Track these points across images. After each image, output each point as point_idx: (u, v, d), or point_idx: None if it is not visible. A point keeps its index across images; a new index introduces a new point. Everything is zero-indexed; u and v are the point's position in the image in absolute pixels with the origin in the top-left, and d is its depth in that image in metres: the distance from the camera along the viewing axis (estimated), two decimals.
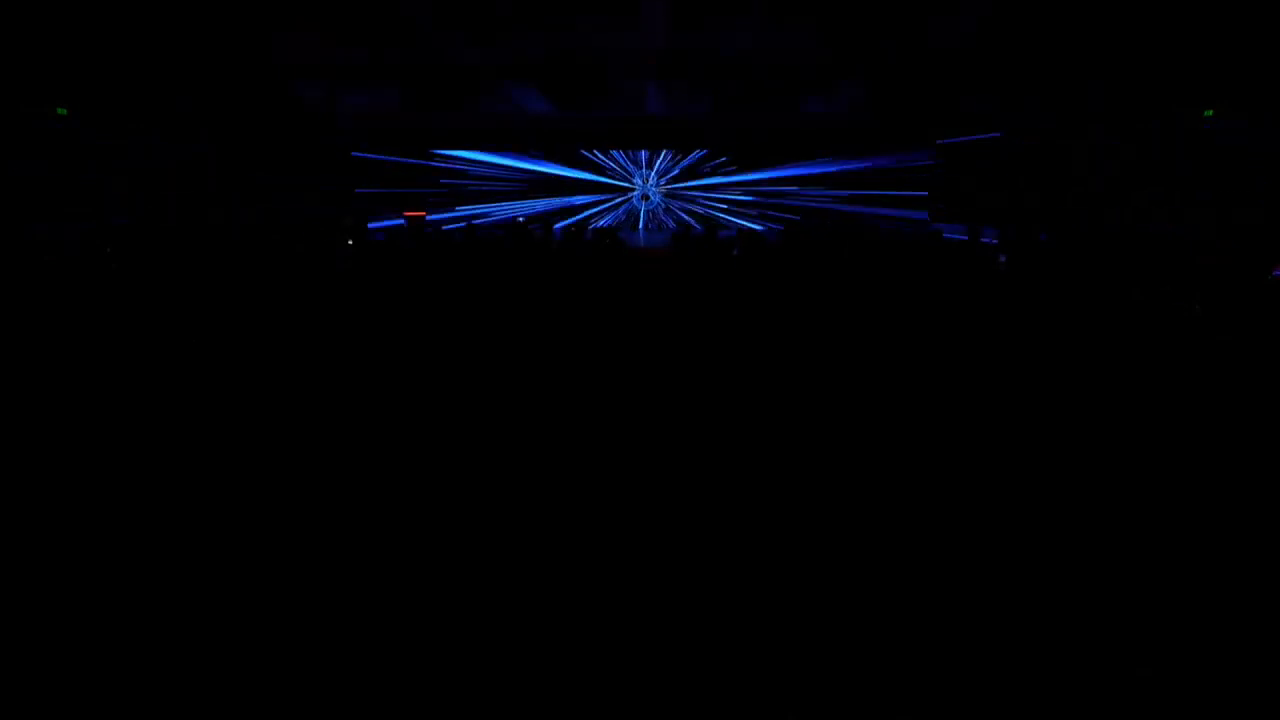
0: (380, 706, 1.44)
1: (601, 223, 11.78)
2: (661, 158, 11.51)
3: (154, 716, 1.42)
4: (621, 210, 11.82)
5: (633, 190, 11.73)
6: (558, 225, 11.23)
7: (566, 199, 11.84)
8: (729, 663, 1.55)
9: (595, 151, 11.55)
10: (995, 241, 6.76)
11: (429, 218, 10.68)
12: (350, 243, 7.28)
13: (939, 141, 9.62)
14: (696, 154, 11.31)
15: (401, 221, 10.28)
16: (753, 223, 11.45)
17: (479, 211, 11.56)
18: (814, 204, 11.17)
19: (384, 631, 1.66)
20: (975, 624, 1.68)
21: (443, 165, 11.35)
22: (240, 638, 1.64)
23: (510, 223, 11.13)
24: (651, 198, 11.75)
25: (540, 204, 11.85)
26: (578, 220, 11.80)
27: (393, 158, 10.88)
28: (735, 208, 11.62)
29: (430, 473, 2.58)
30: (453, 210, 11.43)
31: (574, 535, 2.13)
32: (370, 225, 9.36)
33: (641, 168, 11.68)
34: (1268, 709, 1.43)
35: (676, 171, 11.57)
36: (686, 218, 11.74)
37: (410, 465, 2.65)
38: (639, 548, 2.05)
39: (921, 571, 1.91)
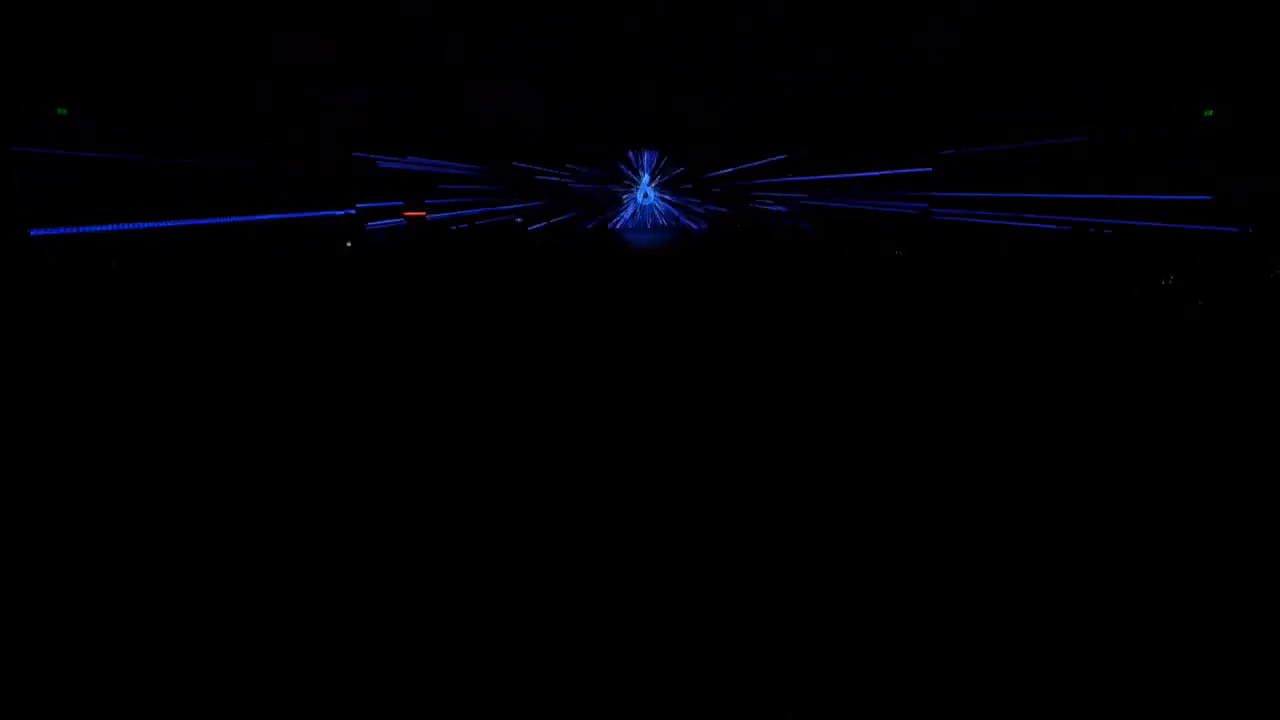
0: (381, 707, 1.44)
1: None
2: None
3: (154, 716, 1.42)
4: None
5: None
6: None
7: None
8: (729, 663, 1.55)
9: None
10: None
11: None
12: (349, 244, 7.28)
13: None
14: None
15: (402, 221, 10.26)
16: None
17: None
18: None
19: (384, 631, 1.66)
20: (975, 624, 1.68)
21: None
22: (241, 636, 1.64)
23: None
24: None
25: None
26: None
27: (396, 158, 10.81)
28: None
29: (432, 462, 2.58)
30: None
31: (575, 534, 2.12)
32: (370, 225, 9.33)
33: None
34: (1268, 709, 1.43)
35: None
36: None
37: (411, 459, 2.65)
38: (640, 546, 2.04)
39: (922, 571, 1.91)
